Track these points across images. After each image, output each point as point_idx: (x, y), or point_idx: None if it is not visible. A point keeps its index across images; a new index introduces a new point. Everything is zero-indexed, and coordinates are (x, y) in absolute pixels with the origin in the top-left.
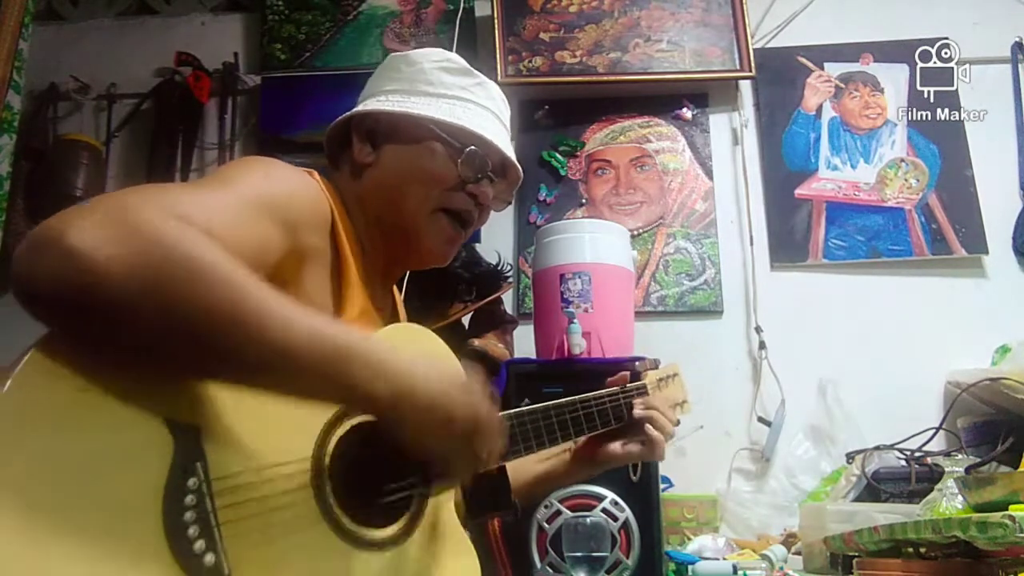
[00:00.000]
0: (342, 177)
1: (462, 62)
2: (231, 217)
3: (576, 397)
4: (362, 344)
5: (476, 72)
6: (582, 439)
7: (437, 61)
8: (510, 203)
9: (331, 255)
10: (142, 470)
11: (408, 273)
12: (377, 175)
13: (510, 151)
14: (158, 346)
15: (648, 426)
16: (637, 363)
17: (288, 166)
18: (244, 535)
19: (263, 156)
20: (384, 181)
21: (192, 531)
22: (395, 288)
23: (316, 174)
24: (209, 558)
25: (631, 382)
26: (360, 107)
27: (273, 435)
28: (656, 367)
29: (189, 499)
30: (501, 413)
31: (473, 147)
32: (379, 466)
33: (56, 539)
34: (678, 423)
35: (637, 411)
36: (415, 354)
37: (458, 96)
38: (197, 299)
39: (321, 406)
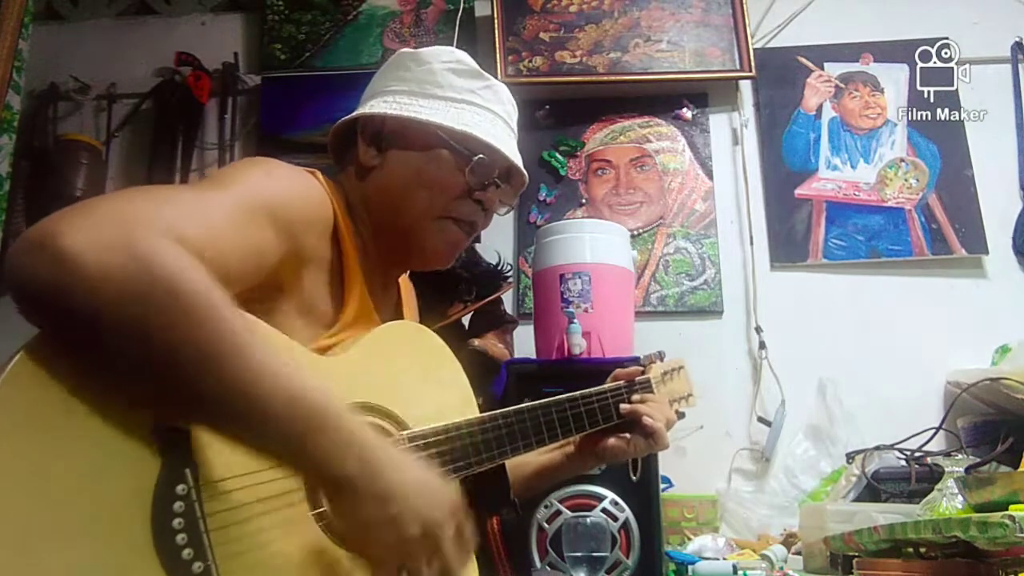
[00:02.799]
0: (347, 177)
1: (472, 63)
2: (227, 224)
3: (577, 393)
4: (334, 414)
5: (485, 74)
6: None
7: (446, 62)
8: (513, 208)
9: (332, 256)
10: (129, 478)
11: (409, 273)
12: (382, 179)
13: (517, 158)
14: (135, 362)
15: (644, 418)
16: (642, 357)
17: (290, 167)
18: (235, 540)
19: (265, 157)
20: (389, 186)
21: (180, 539)
22: (404, 280)
23: (319, 174)
24: (198, 566)
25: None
26: (366, 108)
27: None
28: (661, 359)
29: (178, 506)
30: (500, 411)
31: (481, 155)
32: None
33: (41, 549)
34: (683, 416)
35: (625, 407)
36: (397, 455)
37: (467, 100)
38: (178, 331)
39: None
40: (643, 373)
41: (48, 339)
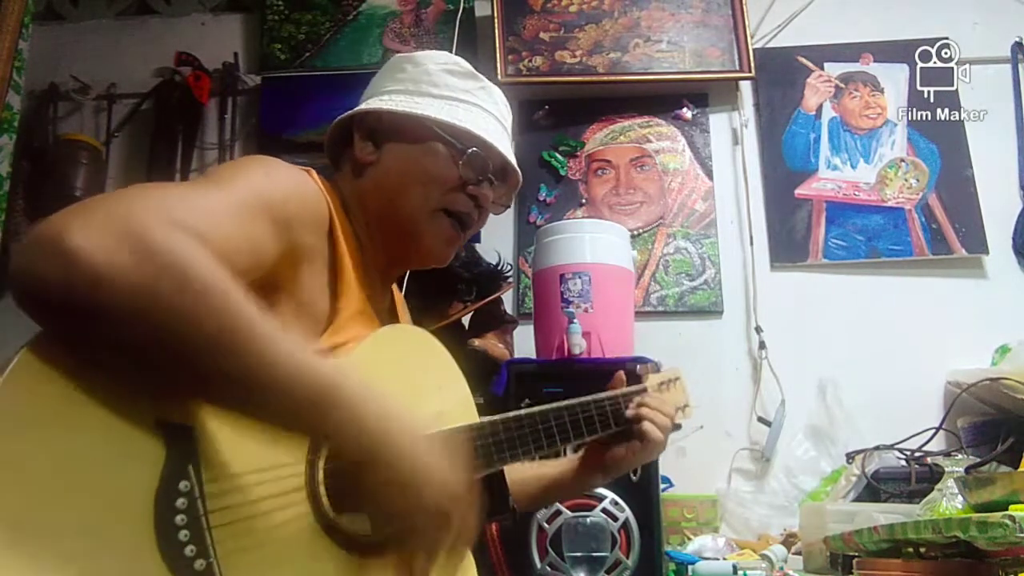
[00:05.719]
0: (342, 176)
1: (467, 65)
2: (228, 219)
3: (575, 400)
4: (348, 388)
5: (480, 76)
6: (581, 442)
7: (442, 63)
8: (508, 207)
9: (328, 254)
10: (133, 474)
11: (408, 272)
12: (378, 174)
13: (511, 155)
14: (146, 355)
15: (645, 424)
16: (639, 366)
17: (286, 165)
18: (237, 538)
19: (262, 155)
20: (385, 180)
21: (183, 535)
22: (395, 287)
23: (314, 173)
24: (200, 564)
25: (631, 384)
26: (363, 106)
27: (268, 435)
28: (658, 370)
29: (180, 502)
30: (499, 416)
31: (475, 149)
32: None
33: (44, 544)
34: (679, 427)
35: (629, 411)
36: (406, 416)
37: (461, 99)
38: (194, 313)
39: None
40: (638, 380)
41: (51, 336)
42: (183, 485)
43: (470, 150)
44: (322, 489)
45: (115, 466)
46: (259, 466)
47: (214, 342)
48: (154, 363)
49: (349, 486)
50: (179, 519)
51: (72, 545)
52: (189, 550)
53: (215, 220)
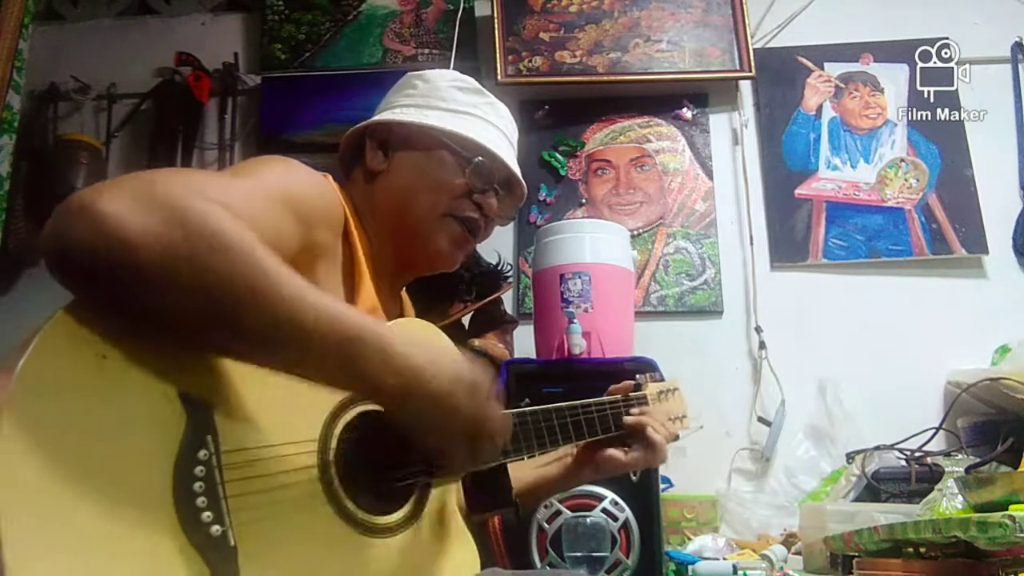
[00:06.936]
0: (354, 185)
1: (475, 83)
2: (251, 205)
3: (577, 402)
4: (377, 332)
5: (487, 92)
6: (581, 443)
7: (451, 80)
8: (513, 219)
9: (342, 256)
10: (155, 439)
11: None
12: (389, 181)
13: (516, 168)
14: (180, 315)
15: (648, 430)
16: (638, 376)
17: (305, 166)
18: (250, 509)
19: (282, 156)
20: (395, 187)
21: (200, 501)
22: (405, 295)
23: (330, 177)
24: (216, 529)
25: (633, 391)
26: (375, 118)
27: (283, 415)
28: (658, 380)
29: (199, 470)
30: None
31: (481, 158)
32: (384, 453)
33: (65, 502)
34: (677, 438)
35: (628, 418)
36: (426, 347)
37: (469, 112)
38: (224, 272)
39: (331, 389)
40: (640, 389)
41: (85, 301)
42: (202, 453)
43: (476, 159)
44: (333, 471)
45: (138, 432)
46: (274, 440)
47: (252, 294)
48: (186, 324)
49: (358, 466)
50: (197, 486)
51: (93, 507)
52: (206, 516)
53: (242, 202)
